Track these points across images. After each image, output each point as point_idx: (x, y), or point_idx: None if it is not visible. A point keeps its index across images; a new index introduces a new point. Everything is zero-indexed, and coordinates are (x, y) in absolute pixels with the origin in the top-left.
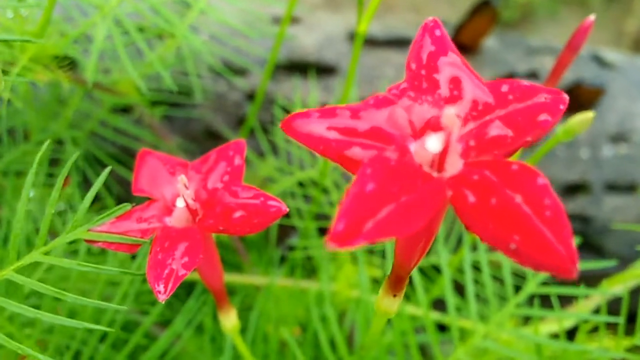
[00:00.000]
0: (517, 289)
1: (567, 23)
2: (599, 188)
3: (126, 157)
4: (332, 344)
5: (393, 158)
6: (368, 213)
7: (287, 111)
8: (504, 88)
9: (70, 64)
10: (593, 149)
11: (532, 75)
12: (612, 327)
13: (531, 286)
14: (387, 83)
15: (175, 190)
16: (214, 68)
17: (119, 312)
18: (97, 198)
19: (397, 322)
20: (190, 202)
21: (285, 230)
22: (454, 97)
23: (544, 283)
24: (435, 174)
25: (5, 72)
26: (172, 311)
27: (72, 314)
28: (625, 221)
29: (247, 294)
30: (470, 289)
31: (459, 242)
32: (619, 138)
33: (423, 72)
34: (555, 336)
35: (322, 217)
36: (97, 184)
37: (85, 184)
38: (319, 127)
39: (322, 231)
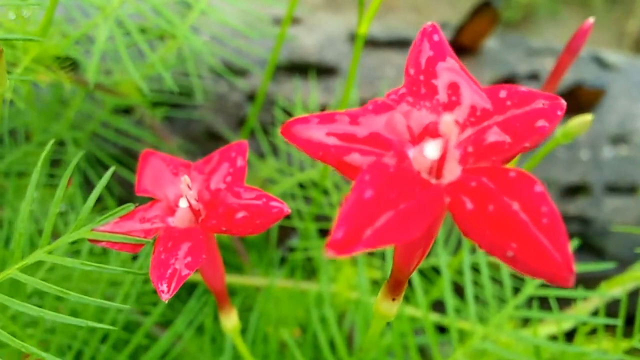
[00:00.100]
0: (516, 290)
1: (568, 23)
2: (599, 189)
3: (127, 158)
4: (332, 345)
5: (391, 164)
6: (367, 220)
7: (287, 113)
8: (502, 94)
9: (72, 64)
10: (593, 150)
11: (533, 76)
12: (610, 329)
13: (530, 288)
14: (387, 84)
15: (179, 190)
16: (215, 69)
17: (121, 313)
18: (98, 199)
19: (397, 323)
20: (193, 202)
21: (285, 232)
22: (452, 103)
23: (543, 285)
24: (433, 181)
25: (7, 73)
26: (173, 312)
27: (74, 314)
28: (625, 223)
29: (248, 295)
30: (469, 290)
31: (459, 243)
32: (619, 139)
33: (421, 77)
34: (553, 338)
35: (323, 218)
36: (101, 185)
37: (87, 184)
38: (318, 133)
39: (323, 232)
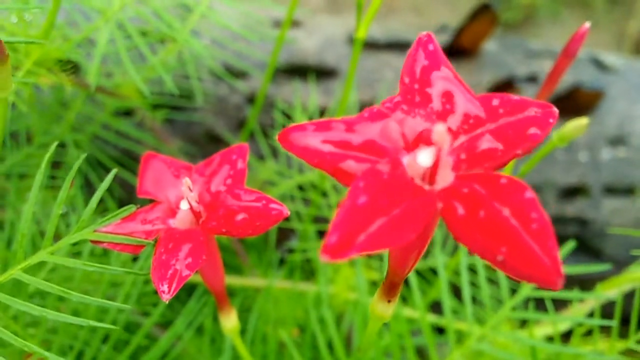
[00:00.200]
0: (513, 292)
1: (569, 24)
2: (598, 191)
3: (128, 160)
4: (330, 346)
5: (385, 171)
6: (360, 226)
7: (287, 115)
8: (495, 102)
9: (73, 67)
10: (592, 152)
11: (532, 78)
12: (606, 330)
13: (526, 289)
14: (386, 86)
15: (180, 192)
16: (215, 72)
17: (121, 313)
18: (99, 200)
19: (394, 324)
20: (194, 204)
21: (284, 233)
22: (446, 111)
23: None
24: (426, 187)
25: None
26: (173, 312)
27: (75, 314)
28: (623, 224)
29: (247, 296)
30: (466, 291)
31: (456, 245)
32: (617, 141)
33: (416, 86)
34: (550, 339)
35: (321, 220)
36: (102, 188)
37: (87, 186)
38: (314, 140)
39: (321, 234)
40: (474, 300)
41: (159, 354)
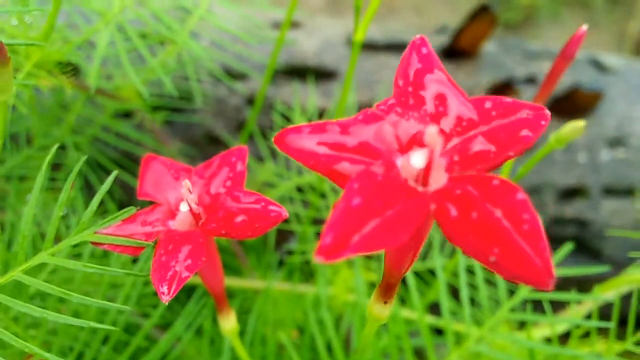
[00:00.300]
0: (511, 293)
1: (569, 25)
2: (597, 192)
3: (128, 161)
4: (329, 347)
5: (379, 173)
6: (354, 227)
7: (286, 117)
8: (488, 104)
9: (73, 70)
10: (591, 153)
11: (531, 80)
12: (604, 331)
13: (524, 291)
14: (385, 87)
15: (179, 194)
16: (215, 73)
17: (121, 315)
18: (99, 202)
19: (392, 325)
20: (193, 206)
21: (283, 235)
22: (439, 114)
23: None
24: (420, 188)
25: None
26: (172, 314)
27: (75, 316)
28: (622, 225)
29: (246, 297)
30: (464, 293)
31: (455, 246)
32: (617, 142)
33: (410, 88)
34: (548, 340)
35: (320, 222)
36: (103, 190)
37: (87, 188)
38: (309, 143)
39: (320, 236)
40: (472, 301)
41: (158, 356)
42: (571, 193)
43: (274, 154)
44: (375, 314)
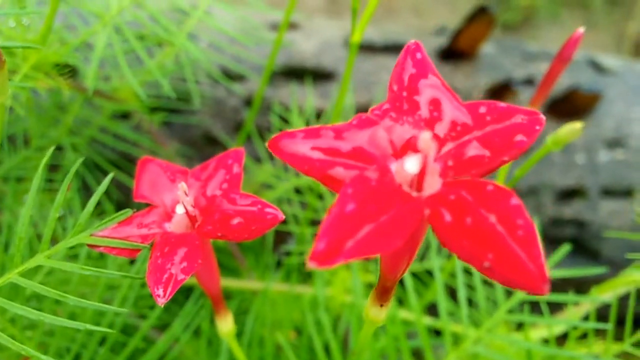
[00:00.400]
0: (509, 294)
1: (568, 25)
2: (595, 193)
3: (125, 162)
4: (327, 349)
5: (374, 178)
6: (348, 232)
7: (283, 119)
8: (482, 109)
9: (70, 71)
10: (589, 154)
11: (529, 81)
12: (602, 333)
13: (522, 292)
14: (383, 89)
15: (175, 197)
16: (213, 74)
17: (118, 316)
18: (96, 203)
19: (390, 326)
20: (189, 208)
21: (281, 236)
22: (434, 119)
23: None
24: (414, 194)
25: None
26: (170, 315)
27: (72, 317)
28: (621, 226)
29: (244, 298)
30: (462, 293)
31: None
32: (615, 143)
33: (404, 93)
34: (545, 342)
35: (318, 223)
36: (99, 191)
37: (85, 189)
38: (303, 147)
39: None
40: (470, 302)
41: (156, 357)
42: (569, 194)
43: (271, 155)
44: (371, 317)
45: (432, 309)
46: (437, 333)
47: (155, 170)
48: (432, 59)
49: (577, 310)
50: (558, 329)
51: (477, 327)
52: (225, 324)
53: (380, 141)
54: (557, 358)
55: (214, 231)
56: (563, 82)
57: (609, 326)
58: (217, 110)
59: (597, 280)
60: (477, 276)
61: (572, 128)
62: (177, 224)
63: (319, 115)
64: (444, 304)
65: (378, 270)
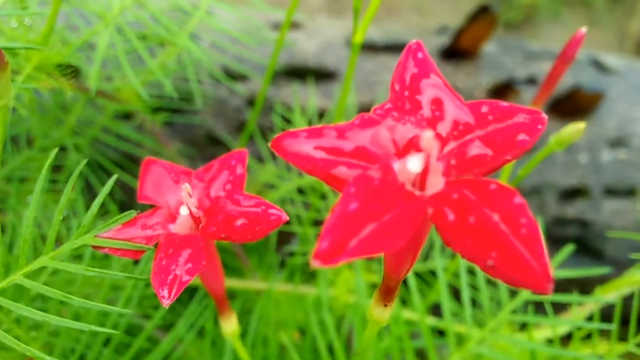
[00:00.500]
0: (512, 294)
1: (570, 24)
2: (598, 192)
3: (128, 163)
4: (331, 349)
5: (376, 177)
6: (351, 231)
7: (285, 119)
8: (484, 109)
9: (73, 71)
10: (592, 153)
11: (531, 80)
12: (606, 333)
13: (526, 292)
14: (386, 88)
15: (179, 198)
16: (215, 74)
17: (123, 316)
18: (100, 203)
19: (394, 327)
20: (193, 209)
21: (284, 236)
22: (436, 118)
23: None
24: (417, 193)
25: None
26: (174, 315)
27: (76, 317)
28: (624, 226)
29: (248, 298)
30: (465, 294)
31: None
32: (618, 143)
33: (406, 93)
34: (549, 342)
35: (321, 223)
36: (104, 193)
37: (88, 189)
38: (306, 147)
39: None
40: (474, 302)
41: (160, 357)
42: (572, 193)
43: (274, 155)
44: (375, 317)
45: (435, 309)
46: (440, 333)
47: (159, 172)
48: (433, 59)
49: (581, 310)
50: (562, 329)
51: (480, 328)
52: (229, 324)
53: (383, 140)
54: (561, 358)
55: (218, 232)
56: (565, 81)
57: (613, 326)
58: (219, 110)
59: (601, 280)
60: (481, 276)
61: (575, 128)
62: (181, 225)
63: (321, 115)
64: (447, 304)
65: (381, 270)
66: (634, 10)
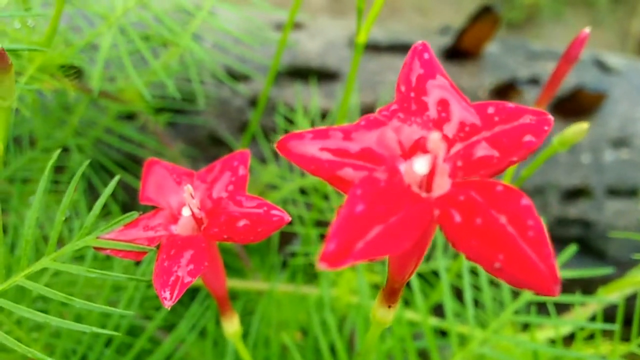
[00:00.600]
0: (515, 294)
1: (572, 24)
2: (601, 193)
3: (131, 163)
4: (333, 349)
5: (383, 179)
6: (358, 234)
7: (288, 119)
8: (490, 110)
9: (76, 72)
10: (594, 153)
11: (534, 80)
12: (609, 333)
13: (528, 293)
14: (389, 89)
15: (182, 199)
16: (217, 75)
17: (124, 317)
18: (102, 204)
19: (396, 327)
20: (195, 211)
21: (287, 237)
22: (442, 119)
23: None
24: (423, 194)
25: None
26: (176, 316)
27: (78, 318)
28: (626, 226)
29: (250, 299)
30: (468, 294)
31: None
32: (620, 143)
33: (412, 94)
34: (552, 342)
35: (323, 223)
36: (106, 194)
37: (91, 190)
38: (311, 148)
39: (323, 238)
40: (476, 303)
41: (162, 358)
42: (575, 194)
43: (276, 156)
44: (379, 318)
45: (438, 310)
46: (443, 334)
47: (161, 173)
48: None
49: (584, 310)
50: (565, 329)
51: (483, 328)
52: (231, 325)
53: (389, 142)
54: (564, 359)
55: (220, 233)
56: (568, 81)
57: (616, 327)
58: (222, 110)
59: (604, 280)
60: (484, 277)
61: (579, 128)
62: (184, 226)
63: (324, 115)
64: (450, 304)
65: (384, 270)
66: (636, 10)
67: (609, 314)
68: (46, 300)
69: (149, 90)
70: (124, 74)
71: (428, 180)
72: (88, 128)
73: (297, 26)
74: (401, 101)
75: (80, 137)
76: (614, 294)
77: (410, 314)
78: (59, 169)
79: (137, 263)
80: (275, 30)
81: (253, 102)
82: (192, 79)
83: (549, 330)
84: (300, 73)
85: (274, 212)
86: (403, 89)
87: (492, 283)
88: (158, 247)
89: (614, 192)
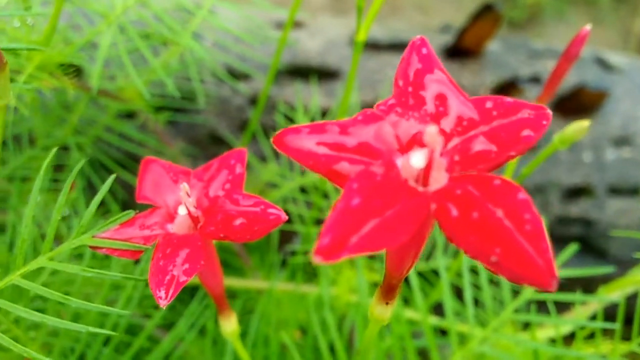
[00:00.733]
0: (515, 293)
1: (574, 23)
2: (602, 191)
3: (131, 162)
4: (332, 348)
5: (379, 173)
6: (353, 227)
7: (288, 118)
8: (489, 104)
9: (75, 71)
10: (596, 152)
11: (535, 79)
12: (609, 332)
13: (528, 291)
14: (389, 86)
15: (178, 197)
16: (217, 74)
17: (123, 316)
18: (101, 203)
19: (396, 326)
20: (192, 209)
21: (286, 235)
22: (440, 113)
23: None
24: (420, 189)
25: (12, 80)
26: (174, 314)
27: (76, 317)
28: (628, 224)
29: (249, 298)
30: (468, 293)
31: None
32: (622, 141)
33: (410, 89)
34: (552, 341)
35: (323, 222)
36: (102, 192)
37: (90, 188)
38: (308, 143)
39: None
40: (476, 302)
41: (161, 356)
42: (576, 192)
43: (277, 154)
44: (377, 315)
45: (438, 309)
46: (443, 333)
47: (157, 171)
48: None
49: (585, 309)
50: (565, 328)
51: (483, 327)
52: (229, 324)
53: (386, 136)
54: (564, 358)
55: (216, 232)
56: (570, 79)
57: (617, 326)
58: (222, 109)
59: (605, 279)
60: (484, 275)
61: (579, 126)
62: (180, 225)
63: (324, 113)
64: (450, 303)
65: (383, 268)
66: (638, 9)
67: (609, 313)
68: (44, 299)
69: (149, 88)
70: (124, 73)
71: (425, 174)
72: (88, 126)
73: (298, 25)
74: (399, 96)
75: (80, 136)
76: (614, 293)
77: (409, 313)
78: (58, 167)
79: (136, 261)
80: (275, 28)
81: (253, 101)
82: (192, 78)
83: (549, 329)
84: (300, 72)
85: (270, 210)
86: (401, 83)
87: (492, 282)
88: (154, 246)
89: (616, 191)
